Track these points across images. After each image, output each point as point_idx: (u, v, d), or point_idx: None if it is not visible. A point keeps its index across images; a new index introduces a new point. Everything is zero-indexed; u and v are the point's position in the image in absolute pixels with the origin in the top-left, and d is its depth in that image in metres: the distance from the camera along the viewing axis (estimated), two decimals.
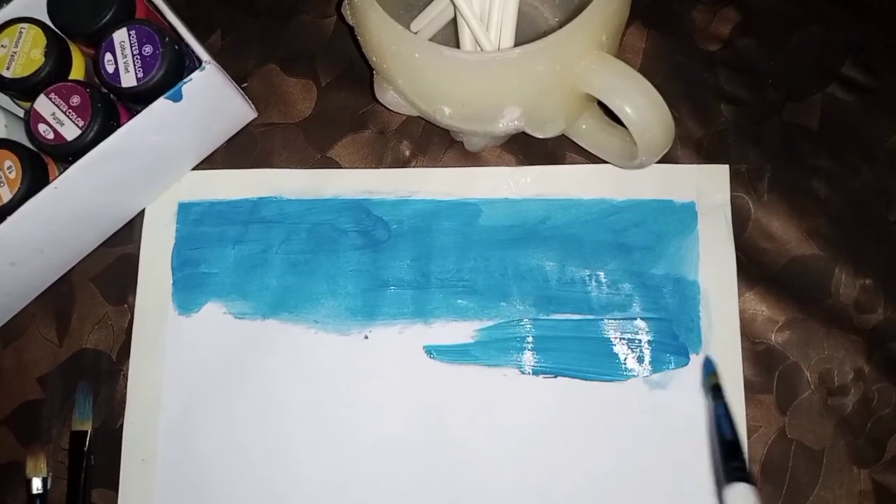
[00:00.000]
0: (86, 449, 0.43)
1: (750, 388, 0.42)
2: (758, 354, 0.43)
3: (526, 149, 0.46)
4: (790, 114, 0.45)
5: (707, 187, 0.44)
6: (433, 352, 0.43)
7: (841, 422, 0.42)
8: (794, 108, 0.45)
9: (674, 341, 0.43)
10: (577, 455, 0.42)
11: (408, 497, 0.42)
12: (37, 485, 0.43)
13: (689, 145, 0.45)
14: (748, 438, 0.41)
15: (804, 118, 0.45)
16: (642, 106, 0.36)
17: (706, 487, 0.41)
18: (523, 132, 0.41)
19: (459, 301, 0.44)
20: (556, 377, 0.43)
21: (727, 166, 0.45)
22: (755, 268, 0.44)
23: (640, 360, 0.43)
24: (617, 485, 0.41)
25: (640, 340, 0.43)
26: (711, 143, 0.45)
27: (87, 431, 0.44)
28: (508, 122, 0.39)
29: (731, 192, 0.44)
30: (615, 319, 0.43)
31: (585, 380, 0.42)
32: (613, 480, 0.41)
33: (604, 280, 0.44)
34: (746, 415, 0.42)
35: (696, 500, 0.41)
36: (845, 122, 0.45)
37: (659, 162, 0.41)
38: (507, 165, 0.46)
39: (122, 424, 0.44)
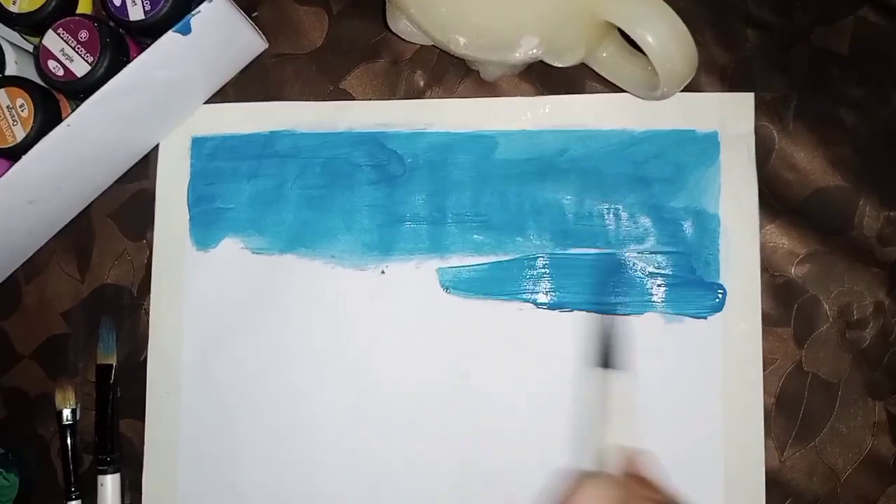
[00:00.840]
0: (111, 382, 0.44)
1: (767, 322, 0.42)
2: (777, 287, 0.42)
3: (544, 77, 0.45)
4: (819, 38, 0.44)
5: (730, 117, 0.43)
6: (447, 282, 0.43)
7: (858, 355, 0.42)
8: (823, 32, 0.44)
9: (691, 275, 0.42)
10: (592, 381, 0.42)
11: (425, 427, 0.43)
12: (66, 415, 0.45)
13: (713, 73, 0.44)
14: (764, 371, 0.41)
15: (833, 43, 0.43)
16: (665, 35, 0.34)
17: (719, 417, 0.41)
18: (541, 60, 0.40)
19: (475, 236, 0.44)
20: (572, 311, 0.43)
21: (752, 94, 0.43)
22: (777, 199, 0.43)
23: (657, 293, 0.42)
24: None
25: (657, 274, 0.42)
26: (736, 71, 0.44)
27: (112, 365, 0.45)
28: (526, 51, 0.38)
29: (756, 121, 0.43)
30: (633, 253, 0.43)
31: (602, 313, 0.42)
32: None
33: (622, 213, 0.43)
34: (763, 347, 0.42)
35: (708, 430, 0.41)
36: (877, 47, 0.43)
37: (681, 90, 0.40)
38: (525, 95, 0.45)
39: (145, 358, 0.45)
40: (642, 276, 0.43)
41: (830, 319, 0.42)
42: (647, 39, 0.34)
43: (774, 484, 0.41)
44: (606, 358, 0.41)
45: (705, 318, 0.42)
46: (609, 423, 0.39)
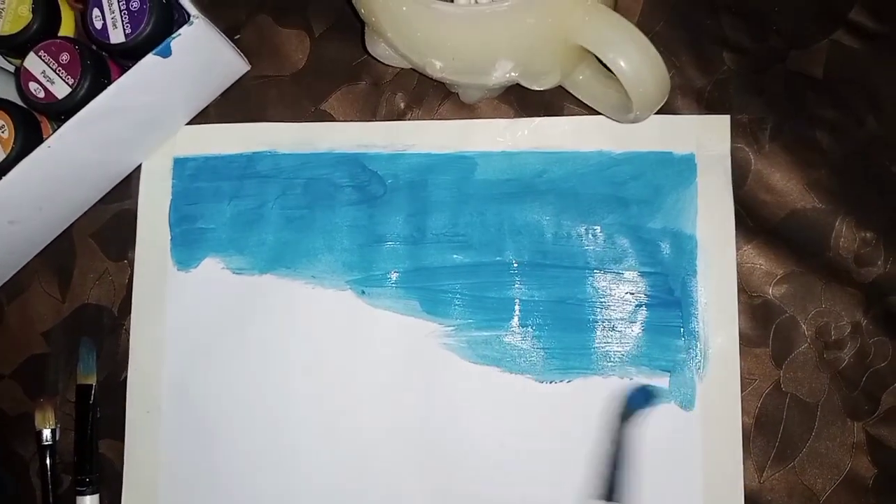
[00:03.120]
0: (91, 402, 0.44)
1: (745, 342, 0.42)
2: (754, 308, 0.42)
3: (522, 100, 0.45)
4: (794, 62, 0.44)
5: (707, 139, 0.44)
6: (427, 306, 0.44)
7: (836, 375, 0.42)
8: (798, 55, 0.44)
9: (669, 296, 0.42)
10: (571, 403, 0.42)
11: (405, 446, 0.43)
12: (46, 435, 0.45)
13: (690, 95, 0.44)
14: (742, 391, 0.41)
15: (809, 66, 0.44)
16: (636, 59, 0.35)
17: (697, 438, 0.41)
18: (519, 83, 0.40)
19: (455, 256, 0.44)
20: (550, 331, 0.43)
21: (728, 117, 0.44)
22: (754, 221, 0.43)
23: (635, 314, 0.42)
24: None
25: (636, 294, 0.43)
26: (713, 93, 0.44)
27: (91, 385, 0.45)
28: (501, 75, 0.38)
29: (732, 143, 0.43)
30: (611, 273, 0.43)
31: (580, 332, 0.43)
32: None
33: (600, 234, 0.43)
34: (741, 368, 0.42)
35: (687, 451, 0.41)
36: (851, 70, 0.44)
37: (658, 112, 0.40)
38: (504, 117, 0.45)
39: (125, 377, 0.45)
40: (620, 296, 0.43)
41: (808, 340, 0.42)
42: (618, 64, 0.35)
43: None
44: (610, 490, 0.41)
45: (682, 339, 0.42)
46: None
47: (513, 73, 0.38)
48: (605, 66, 0.38)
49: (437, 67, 0.38)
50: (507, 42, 0.36)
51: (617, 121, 0.41)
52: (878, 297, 0.42)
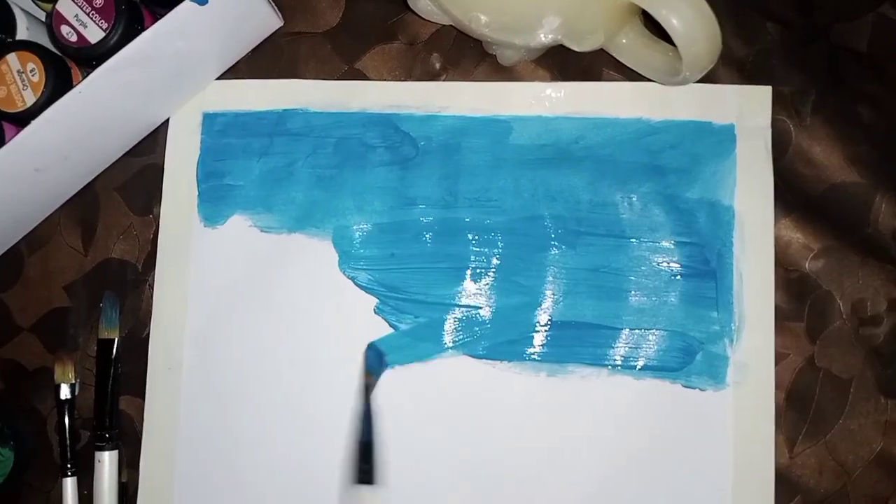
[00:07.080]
0: (113, 357, 0.44)
1: (781, 316, 0.41)
2: (790, 282, 0.42)
3: (561, 64, 0.44)
4: (838, 35, 0.43)
5: (748, 109, 0.43)
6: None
7: (871, 352, 0.41)
8: (842, 28, 0.43)
9: (705, 266, 0.42)
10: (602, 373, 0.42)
11: (428, 402, 0.42)
12: (65, 391, 0.44)
13: (732, 65, 0.43)
14: (776, 365, 0.41)
15: (853, 40, 0.43)
16: (690, 17, 0.34)
17: (729, 410, 0.41)
18: (559, 45, 0.39)
19: (487, 221, 0.43)
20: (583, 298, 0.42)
21: (770, 88, 0.43)
22: (793, 194, 0.42)
23: (670, 284, 0.42)
24: (644, 401, 0.41)
25: (670, 264, 0.42)
26: (755, 64, 0.43)
27: (113, 339, 0.44)
28: (547, 32, 0.37)
29: (773, 115, 0.43)
30: (646, 243, 0.42)
31: (613, 301, 0.42)
32: (643, 396, 0.42)
33: (636, 203, 0.43)
34: (776, 342, 0.41)
35: (718, 424, 0.41)
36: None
37: (699, 82, 0.39)
38: (542, 81, 0.44)
39: (148, 334, 0.44)
40: (656, 265, 0.42)
41: (844, 316, 0.42)
42: (671, 21, 0.34)
43: (783, 480, 0.40)
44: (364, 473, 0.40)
45: (716, 311, 0.41)
46: None
47: (558, 32, 0.37)
48: (651, 27, 0.37)
49: (481, 22, 0.37)
50: None
51: (662, 83, 0.41)
52: None
